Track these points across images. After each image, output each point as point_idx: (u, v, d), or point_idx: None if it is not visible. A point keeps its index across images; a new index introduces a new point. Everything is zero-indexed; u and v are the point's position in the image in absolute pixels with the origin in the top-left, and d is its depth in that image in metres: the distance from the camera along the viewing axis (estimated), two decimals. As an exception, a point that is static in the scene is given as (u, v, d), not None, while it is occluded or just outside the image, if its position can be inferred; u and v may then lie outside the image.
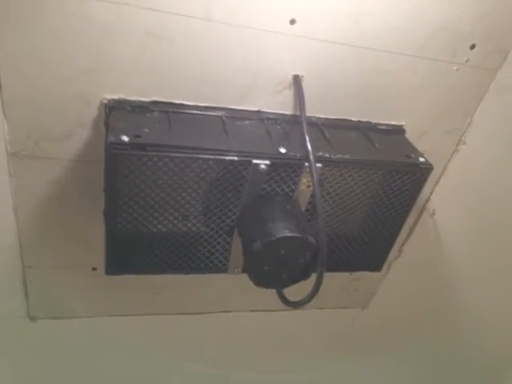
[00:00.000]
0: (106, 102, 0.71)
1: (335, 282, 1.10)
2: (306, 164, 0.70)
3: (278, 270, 0.71)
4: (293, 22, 0.70)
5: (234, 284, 1.00)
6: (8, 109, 0.69)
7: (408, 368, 1.45)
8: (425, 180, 0.78)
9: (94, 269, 0.91)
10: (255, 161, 0.68)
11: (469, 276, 1.20)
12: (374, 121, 0.83)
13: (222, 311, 1.08)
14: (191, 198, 0.72)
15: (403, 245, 1.06)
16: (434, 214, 1.01)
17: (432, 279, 1.18)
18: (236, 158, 0.67)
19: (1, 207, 0.79)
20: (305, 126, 0.73)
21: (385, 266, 1.07)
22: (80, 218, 0.83)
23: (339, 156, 0.72)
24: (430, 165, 0.77)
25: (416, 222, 1.02)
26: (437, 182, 0.96)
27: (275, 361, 1.30)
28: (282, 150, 0.70)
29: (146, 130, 0.67)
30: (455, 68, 0.80)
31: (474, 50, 0.79)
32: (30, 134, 0.72)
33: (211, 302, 1.05)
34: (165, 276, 0.84)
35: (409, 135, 0.85)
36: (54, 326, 0.99)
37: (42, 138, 0.73)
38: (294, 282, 0.72)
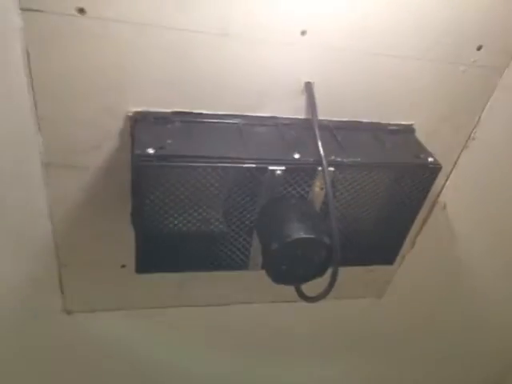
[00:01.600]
0: (130, 114, 0.76)
1: (351, 273, 1.14)
2: (319, 168, 0.74)
3: (295, 268, 0.75)
4: (304, 33, 0.74)
5: (256, 278, 1.05)
6: (42, 124, 0.75)
7: (420, 359, 1.50)
8: (434, 179, 0.81)
9: (123, 266, 0.98)
10: (271, 167, 0.72)
11: (481, 267, 1.23)
12: (383, 121, 0.87)
13: (244, 302, 1.14)
14: (212, 202, 0.77)
15: (416, 237, 1.10)
16: (445, 207, 1.04)
17: (445, 270, 1.22)
18: (253, 166, 0.72)
19: (37, 212, 0.85)
20: (317, 131, 0.77)
21: (398, 258, 1.12)
22: (109, 220, 0.88)
23: (351, 159, 0.76)
24: (439, 164, 0.80)
25: (428, 215, 1.05)
26: (448, 177, 0.99)
27: (293, 350, 1.36)
28: (296, 156, 0.74)
29: (169, 141, 0.72)
30: (462, 69, 0.83)
31: (481, 50, 0.81)
32: (62, 145, 0.78)
33: (234, 294, 1.11)
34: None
35: (418, 134, 0.88)
36: (88, 319, 1.07)
37: (73, 149, 0.79)
38: (310, 278, 0.77)
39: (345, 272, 1.11)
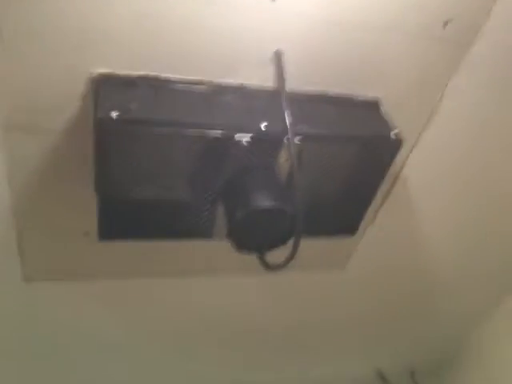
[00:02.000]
0: (94, 76, 0.74)
1: (313, 244, 1.17)
2: (285, 139, 0.74)
3: (258, 237, 0.77)
4: None
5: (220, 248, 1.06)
6: (1, 82, 0.71)
7: (384, 328, 1.56)
8: (396, 152, 0.83)
9: (85, 233, 0.96)
10: (237, 136, 0.72)
11: (439, 242, 1.29)
12: (351, 95, 0.87)
13: (207, 274, 1.15)
14: (177, 169, 0.76)
15: (378, 210, 1.13)
16: (406, 181, 1.07)
17: (405, 243, 1.26)
18: (219, 134, 0.71)
19: (-6, 176, 0.83)
20: (284, 101, 0.77)
21: (360, 231, 1.15)
22: (71, 185, 0.86)
23: (316, 130, 0.77)
24: (401, 139, 0.82)
25: (390, 190, 1.08)
26: (410, 152, 1.02)
27: (258, 323, 1.39)
28: (263, 126, 0.74)
29: (134, 105, 0.70)
30: (428, 43, 0.84)
31: (447, 25, 0.82)
32: (21, 105, 0.75)
33: (199, 263, 1.12)
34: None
35: (384, 107, 0.89)
36: (47, 288, 1.05)
37: (33, 109, 0.75)
38: (273, 247, 0.79)
39: (307, 243, 1.13)
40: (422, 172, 1.07)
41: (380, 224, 1.16)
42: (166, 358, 1.40)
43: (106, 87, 0.73)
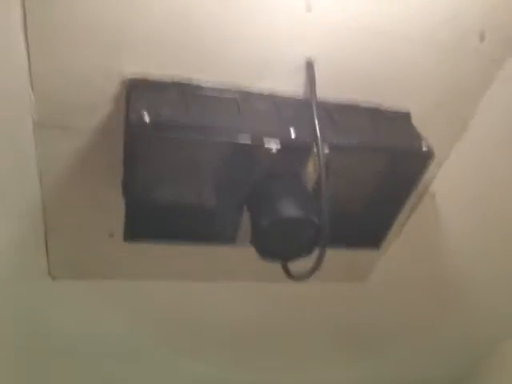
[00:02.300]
0: (127, 78, 0.75)
1: (336, 255, 1.15)
2: (315, 148, 0.74)
3: (283, 245, 0.76)
4: (309, 9, 0.73)
5: (243, 255, 1.06)
6: (36, 81, 0.73)
7: (405, 343, 1.53)
8: (426, 166, 0.81)
9: (111, 235, 0.97)
10: (267, 144, 0.72)
11: (466, 260, 1.25)
12: (381, 105, 0.86)
13: (229, 279, 1.15)
14: (204, 174, 0.77)
15: (404, 224, 1.11)
16: (434, 197, 1.05)
17: (430, 260, 1.24)
18: (249, 141, 0.71)
19: (26, 173, 0.84)
20: (315, 110, 0.76)
21: (385, 244, 1.13)
22: (99, 186, 0.87)
23: (346, 141, 0.76)
24: (432, 152, 0.80)
25: (417, 204, 1.06)
26: (440, 166, 1.00)
27: (276, 333, 1.37)
28: (293, 134, 0.74)
29: (165, 110, 0.71)
30: (463, 57, 0.82)
31: (483, 39, 0.81)
32: (55, 105, 0.77)
33: (221, 270, 1.12)
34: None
35: (415, 120, 0.88)
36: (72, 286, 1.07)
37: (67, 109, 0.77)
38: (298, 257, 0.78)
39: (331, 254, 1.12)
40: (451, 188, 1.05)
41: (405, 238, 1.14)
42: (175, 358, 1.40)
43: (138, 90, 0.74)
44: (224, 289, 1.17)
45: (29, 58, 0.70)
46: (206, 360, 1.42)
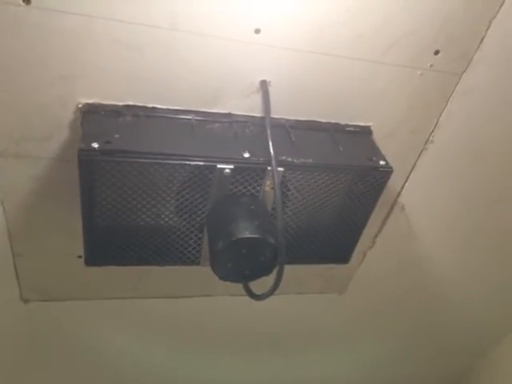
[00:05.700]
0: (80, 106, 0.75)
1: (312, 269, 1.15)
2: (269, 168, 0.74)
3: (241, 266, 0.76)
4: (257, 31, 0.73)
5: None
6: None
7: (384, 352, 1.53)
8: (385, 182, 0.81)
9: (79, 256, 0.97)
10: (220, 165, 0.72)
11: (439, 266, 1.25)
12: (341, 122, 0.86)
13: (203, 295, 1.15)
14: (162, 198, 0.77)
15: (376, 236, 1.11)
16: (403, 208, 1.05)
17: (404, 268, 1.24)
18: (201, 163, 0.71)
19: (-12, 201, 0.85)
20: (269, 130, 0.76)
21: (360, 256, 1.13)
22: (62, 210, 0.88)
23: (301, 160, 0.76)
24: (390, 168, 0.80)
25: (387, 216, 1.06)
26: (407, 179, 1.00)
27: (254, 344, 1.37)
28: (246, 155, 0.74)
29: (117, 136, 0.71)
30: (419, 73, 0.83)
31: (438, 55, 0.81)
32: (12, 134, 0.77)
33: (193, 286, 1.12)
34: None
35: (376, 136, 0.88)
36: (45, 308, 1.07)
37: (24, 138, 0.78)
38: (257, 277, 0.78)
39: (305, 268, 1.12)
40: (420, 198, 1.05)
41: (380, 248, 1.15)
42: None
43: (91, 117, 0.74)
44: (199, 304, 1.17)
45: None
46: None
